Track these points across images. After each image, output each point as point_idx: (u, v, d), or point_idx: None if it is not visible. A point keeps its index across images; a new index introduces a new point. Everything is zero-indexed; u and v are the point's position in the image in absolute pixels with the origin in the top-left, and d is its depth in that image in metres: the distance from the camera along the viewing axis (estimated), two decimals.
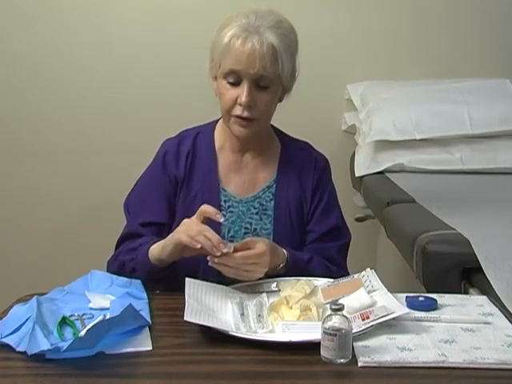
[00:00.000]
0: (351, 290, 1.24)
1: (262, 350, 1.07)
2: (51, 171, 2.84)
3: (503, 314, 1.22)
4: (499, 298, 1.28)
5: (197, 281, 1.29)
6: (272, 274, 1.37)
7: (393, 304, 1.18)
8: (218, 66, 1.42)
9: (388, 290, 1.24)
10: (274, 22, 1.39)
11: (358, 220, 2.52)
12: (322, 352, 1.03)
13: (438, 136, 2.46)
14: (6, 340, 1.08)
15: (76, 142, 2.84)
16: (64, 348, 1.02)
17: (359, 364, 1.02)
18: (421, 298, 1.25)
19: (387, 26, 2.84)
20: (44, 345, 1.03)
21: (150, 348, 1.09)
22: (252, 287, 1.35)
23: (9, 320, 1.15)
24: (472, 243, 1.42)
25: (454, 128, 2.46)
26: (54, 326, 1.13)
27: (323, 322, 1.03)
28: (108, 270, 1.48)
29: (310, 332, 1.10)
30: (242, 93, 1.39)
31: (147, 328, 1.16)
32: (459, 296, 1.32)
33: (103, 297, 1.26)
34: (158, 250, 1.37)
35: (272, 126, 1.58)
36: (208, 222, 1.45)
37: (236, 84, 1.40)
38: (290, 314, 1.19)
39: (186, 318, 1.11)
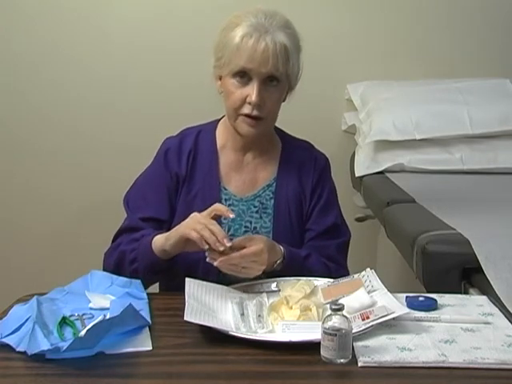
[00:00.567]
0: (351, 290, 1.24)
1: (262, 350, 1.07)
2: (51, 171, 2.84)
3: (503, 314, 1.22)
4: (499, 298, 1.27)
5: (197, 281, 1.29)
6: (269, 270, 1.37)
7: (393, 304, 1.18)
8: (227, 64, 1.41)
9: (388, 290, 1.24)
10: (283, 22, 1.41)
11: (358, 220, 2.52)
12: (321, 352, 1.03)
13: (438, 136, 2.46)
14: (5, 340, 1.08)
15: (76, 141, 2.84)
16: (64, 348, 1.02)
17: (359, 364, 1.02)
18: (421, 298, 1.25)
19: (387, 26, 2.84)
20: (44, 345, 1.03)
21: (150, 348, 1.09)
22: (252, 287, 1.35)
23: (9, 320, 1.15)
24: (472, 243, 1.42)
25: (454, 128, 2.46)
26: (54, 326, 1.13)
27: (323, 322, 1.03)
28: (105, 261, 1.48)
29: (310, 332, 1.10)
30: (252, 92, 1.39)
31: (147, 328, 1.16)
32: (459, 296, 1.32)
33: (103, 297, 1.26)
34: (161, 240, 1.37)
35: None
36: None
37: (244, 83, 1.41)
38: (290, 314, 1.19)
39: (185, 318, 1.11)
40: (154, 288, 1.51)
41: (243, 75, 1.40)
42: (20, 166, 2.88)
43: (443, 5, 2.83)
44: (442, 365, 1.02)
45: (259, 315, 1.19)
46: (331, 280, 1.33)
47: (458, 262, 1.44)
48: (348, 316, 1.05)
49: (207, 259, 1.30)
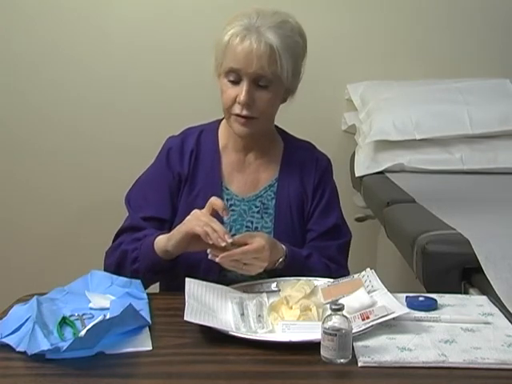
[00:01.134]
0: (351, 290, 1.24)
1: (262, 350, 1.07)
2: (51, 171, 2.84)
3: (503, 314, 1.22)
4: (499, 298, 1.27)
5: (197, 281, 1.29)
6: (271, 269, 1.38)
7: (393, 304, 1.18)
8: (220, 64, 1.43)
9: (388, 290, 1.24)
10: (277, 22, 1.40)
11: (358, 220, 2.52)
12: (321, 352, 1.03)
13: (438, 136, 2.46)
14: (5, 340, 1.08)
15: (76, 141, 2.84)
16: (64, 348, 1.02)
17: (359, 364, 1.02)
18: (421, 298, 1.25)
19: (387, 26, 2.84)
20: (44, 345, 1.03)
21: (150, 348, 1.09)
22: (252, 287, 1.35)
23: (9, 320, 1.15)
24: (472, 243, 1.42)
25: (454, 128, 2.46)
26: (54, 326, 1.13)
27: (323, 322, 1.03)
28: (106, 261, 1.48)
29: (310, 332, 1.10)
30: (241, 92, 1.39)
31: (147, 328, 1.15)
32: (459, 296, 1.32)
33: (103, 297, 1.26)
34: (164, 240, 1.37)
35: (276, 126, 1.59)
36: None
37: (236, 82, 1.41)
38: (289, 314, 1.19)
39: (185, 318, 1.11)
40: (154, 288, 1.51)
41: (234, 75, 1.40)
42: (20, 165, 2.88)
43: (443, 5, 2.83)
44: (442, 365, 1.02)
45: (259, 315, 1.19)
46: (331, 280, 1.33)
47: (458, 262, 1.44)
48: (348, 316, 1.05)
49: (209, 256, 1.30)
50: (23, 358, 1.04)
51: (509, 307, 1.23)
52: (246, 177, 1.53)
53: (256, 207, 1.51)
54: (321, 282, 1.33)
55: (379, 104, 2.58)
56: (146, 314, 1.20)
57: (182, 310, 1.14)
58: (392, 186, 2.22)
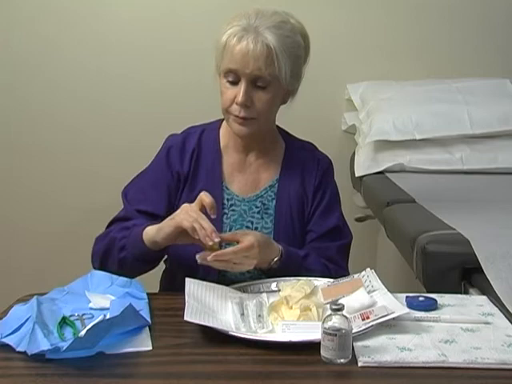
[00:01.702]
0: (351, 290, 1.24)
1: (262, 350, 1.07)
2: (51, 171, 2.84)
3: (503, 314, 1.22)
4: (499, 298, 1.28)
5: (197, 281, 1.29)
6: (266, 268, 1.38)
7: (393, 304, 1.17)
8: (219, 65, 1.43)
9: (388, 290, 1.23)
10: (276, 22, 1.39)
11: (358, 220, 2.53)
12: (321, 352, 1.03)
13: (437, 136, 2.46)
14: (5, 340, 1.08)
15: (76, 142, 2.85)
16: (64, 348, 1.02)
17: (359, 364, 1.02)
18: (421, 298, 1.25)
19: (387, 26, 2.84)
20: (44, 345, 1.03)
21: (150, 348, 1.09)
22: (252, 287, 1.35)
23: (9, 320, 1.15)
24: (472, 243, 1.42)
25: (454, 128, 2.46)
26: (54, 326, 1.13)
27: (323, 322, 1.03)
28: (95, 247, 1.47)
29: (310, 332, 1.09)
30: (239, 92, 1.39)
31: (147, 328, 1.15)
32: (459, 296, 1.32)
33: (103, 297, 1.26)
34: (153, 231, 1.35)
35: (277, 126, 1.59)
36: (210, 220, 1.45)
37: (235, 83, 1.41)
38: (289, 314, 1.19)
39: (185, 318, 1.11)
40: (154, 288, 1.51)
41: (233, 76, 1.40)
42: (20, 165, 2.88)
43: (443, 5, 2.83)
44: (442, 365, 1.02)
45: (259, 315, 1.19)
46: (331, 280, 1.33)
47: (458, 262, 1.44)
48: (348, 316, 1.05)
49: (198, 261, 1.29)
50: (23, 358, 1.04)
51: (509, 307, 1.23)
52: (247, 177, 1.53)
53: (256, 207, 1.51)
54: (321, 282, 1.33)
55: (379, 104, 2.58)
56: (145, 314, 1.20)
57: (182, 310, 1.14)
58: (392, 186, 2.22)
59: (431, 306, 1.23)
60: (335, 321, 1.02)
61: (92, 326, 1.05)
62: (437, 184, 2.30)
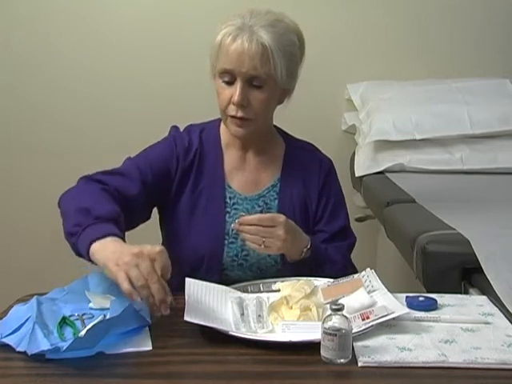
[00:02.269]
0: (351, 290, 1.24)
1: (262, 350, 1.07)
2: (51, 171, 2.84)
3: (503, 314, 1.22)
4: (499, 298, 1.27)
5: (197, 281, 1.29)
6: (298, 259, 1.40)
7: (393, 304, 1.17)
8: (214, 65, 1.43)
9: (388, 290, 1.23)
10: (270, 21, 1.38)
11: (358, 220, 2.52)
12: (321, 352, 1.03)
13: (437, 136, 2.46)
14: (6, 340, 1.08)
15: (76, 142, 2.85)
16: (64, 348, 1.02)
17: (359, 364, 1.02)
18: (421, 298, 1.25)
19: (387, 25, 2.84)
20: (44, 345, 1.03)
21: (150, 348, 1.09)
22: (252, 287, 1.35)
23: (8, 320, 1.15)
24: (472, 243, 1.42)
25: (454, 128, 2.46)
26: (54, 326, 1.13)
27: (323, 322, 1.03)
28: (64, 198, 1.39)
29: (310, 332, 1.09)
30: (235, 92, 1.39)
31: (147, 328, 1.15)
32: (459, 296, 1.32)
33: (103, 297, 1.26)
34: (98, 255, 1.18)
35: (276, 127, 1.58)
36: (213, 217, 1.46)
37: (231, 83, 1.40)
38: (289, 314, 1.19)
39: (185, 318, 1.11)
40: None
41: (228, 76, 1.40)
42: (20, 165, 2.88)
43: (443, 5, 2.83)
44: (442, 365, 1.02)
45: (259, 315, 1.19)
46: (331, 280, 1.33)
47: (458, 262, 1.44)
48: (348, 316, 1.05)
49: (232, 225, 1.36)
50: (23, 358, 1.04)
51: (509, 307, 1.23)
52: (247, 175, 1.53)
53: (259, 207, 1.51)
54: (321, 282, 1.33)
55: (379, 104, 2.59)
56: (145, 313, 1.19)
57: (182, 309, 1.14)
58: (392, 185, 2.22)
59: (431, 305, 1.23)
60: (335, 321, 1.02)
61: (92, 326, 1.05)
62: (437, 184, 2.30)
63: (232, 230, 1.46)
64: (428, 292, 1.36)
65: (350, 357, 1.03)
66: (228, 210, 1.48)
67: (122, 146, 2.78)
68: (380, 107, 2.57)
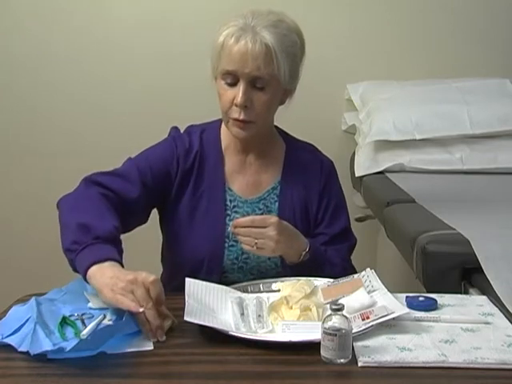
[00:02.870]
0: (351, 290, 1.24)
1: (262, 350, 1.07)
2: (50, 172, 2.85)
3: (503, 314, 1.22)
4: (499, 298, 1.27)
5: (196, 281, 1.29)
6: (297, 261, 1.40)
7: (393, 304, 1.18)
8: (216, 66, 1.42)
9: (388, 290, 1.24)
10: (272, 21, 1.38)
11: (358, 220, 2.52)
12: (321, 352, 1.03)
13: (437, 136, 2.46)
14: (7, 340, 1.08)
15: (76, 144, 2.85)
16: (68, 349, 1.02)
17: (359, 364, 1.02)
18: (421, 298, 1.25)
19: (387, 25, 2.84)
20: (46, 345, 1.03)
21: (151, 348, 1.09)
22: (252, 287, 1.35)
23: (8, 321, 1.15)
24: (472, 243, 1.42)
25: (454, 128, 2.46)
26: (54, 326, 1.13)
27: (323, 322, 1.03)
28: (62, 201, 1.38)
29: (310, 332, 1.09)
30: (238, 93, 1.38)
31: None
32: (459, 296, 1.32)
33: None
34: (95, 280, 1.17)
35: (276, 127, 1.58)
36: (213, 220, 1.45)
37: (233, 85, 1.39)
38: (289, 314, 1.19)
39: (185, 318, 1.11)
40: None
41: (231, 77, 1.39)
42: (19, 166, 2.88)
43: (443, 5, 2.83)
44: (442, 365, 1.02)
45: (259, 315, 1.19)
46: (331, 280, 1.33)
47: (458, 262, 1.44)
48: (348, 316, 1.05)
49: (228, 229, 1.37)
50: (23, 358, 1.04)
51: (509, 307, 1.23)
52: (248, 178, 1.52)
53: (259, 209, 1.50)
54: (321, 282, 1.33)
55: (379, 104, 2.59)
56: None
57: (182, 310, 1.14)
58: (392, 185, 2.22)
59: (431, 305, 1.23)
60: (335, 321, 1.02)
61: (97, 330, 1.05)
62: (437, 184, 2.30)
63: (232, 233, 1.46)
64: (428, 292, 1.36)
65: (350, 357, 1.03)
66: (228, 212, 1.48)
67: (121, 147, 2.76)
68: (380, 107, 2.57)
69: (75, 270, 1.25)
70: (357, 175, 2.46)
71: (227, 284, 1.34)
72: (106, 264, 1.18)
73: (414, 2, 2.84)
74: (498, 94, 2.60)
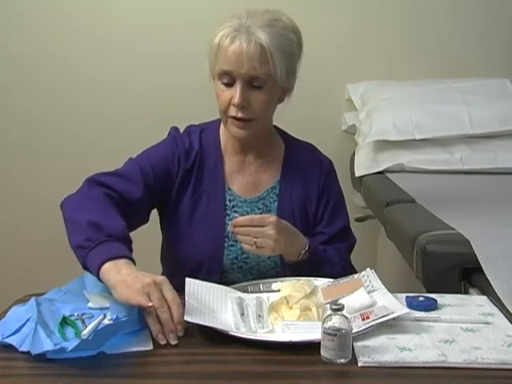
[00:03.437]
0: (351, 290, 1.24)
1: (262, 350, 1.07)
2: (49, 173, 2.85)
3: (503, 314, 1.22)
4: (499, 298, 1.27)
5: (196, 281, 1.29)
6: (296, 260, 1.40)
7: (393, 304, 1.17)
8: (213, 67, 1.42)
9: (388, 290, 1.24)
10: (267, 20, 1.38)
11: (358, 220, 2.53)
12: (321, 352, 1.03)
13: (437, 136, 2.46)
14: (8, 340, 1.08)
15: (75, 144, 2.85)
16: (70, 349, 1.02)
17: (359, 364, 1.02)
18: (421, 298, 1.25)
19: (387, 25, 2.84)
20: (47, 345, 1.03)
21: (150, 348, 1.09)
22: (252, 287, 1.35)
23: (8, 321, 1.15)
24: (472, 243, 1.42)
25: (454, 128, 2.46)
26: (55, 326, 1.13)
27: (323, 322, 1.03)
28: (67, 201, 1.38)
29: (310, 332, 1.09)
30: (235, 93, 1.38)
31: (147, 328, 1.15)
32: (459, 296, 1.32)
33: (102, 296, 1.26)
34: (109, 276, 1.17)
35: (275, 126, 1.58)
36: (213, 220, 1.46)
37: (231, 85, 1.39)
38: (289, 314, 1.19)
39: (185, 318, 1.11)
40: None
41: (228, 77, 1.39)
42: (20, 166, 2.88)
43: (443, 5, 2.83)
44: (442, 365, 1.02)
45: (259, 315, 1.19)
46: (331, 280, 1.33)
47: (458, 262, 1.44)
48: (348, 316, 1.05)
49: (228, 228, 1.37)
50: (24, 358, 1.04)
51: (509, 307, 1.23)
52: (247, 178, 1.53)
53: (258, 209, 1.50)
54: (321, 282, 1.33)
55: (379, 104, 2.59)
56: None
57: (182, 310, 1.14)
58: (392, 185, 2.22)
59: (431, 305, 1.23)
60: (335, 321, 1.02)
61: (99, 329, 1.05)
62: (437, 184, 2.30)
63: (232, 233, 1.46)
64: (428, 292, 1.36)
65: (350, 357, 1.03)
66: (228, 212, 1.48)
67: (121, 147, 2.76)
68: (380, 107, 2.57)
69: (84, 267, 1.25)
70: (357, 175, 2.46)
71: (227, 284, 1.34)
72: (122, 261, 1.19)
73: (413, 2, 2.84)
74: (498, 94, 2.60)
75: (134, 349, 1.08)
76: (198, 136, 1.53)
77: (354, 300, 1.19)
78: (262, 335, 1.13)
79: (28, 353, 1.04)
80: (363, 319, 1.12)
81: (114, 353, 1.06)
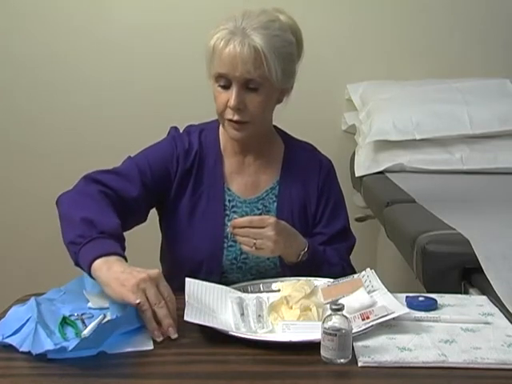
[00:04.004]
0: (351, 290, 1.24)
1: (262, 350, 1.07)
2: (49, 173, 2.85)
3: (503, 314, 1.22)
4: (499, 298, 1.27)
5: (196, 281, 1.29)
6: (296, 261, 1.40)
7: (393, 304, 1.17)
8: (209, 70, 1.42)
9: (388, 290, 1.24)
10: (263, 22, 1.36)
11: (358, 220, 2.53)
12: (321, 352, 1.03)
13: (437, 136, 2.46)
14: (8, 340, 1.08)
15: (75, 145, 2.86)
16: (70, 348, 1.02)
17: (359, 364, 1.02)
18: (421, 298, 1.25)
19: (387, 25, 2.84)
20: (48, 345, 1.03)
21: (151, 348, 1.09)
22: (252, 287, 1.35)
23: (8, 321, 1.15)
24: (472, 243, 1.42)
25: (454, 128, 2.46)
26: (55, 326, 1.13)
27: (323, 322, 1.03)
28: (63, 198, 1.39)
29: (310, 332, 1.09)
30: (231, 96, 1.38)
31: None
32: (459, 296, 1.32)
33: (101, 296, 1.26)
34: (101, 272, 1.17)
35: (275, 127, 1.58)
36: (212, 220, 1.45)
37: (227, 87, 1.39)
38: (290, 314, 1.19)
39: (185, 318, 1.11)
40: None
41: (224, 80, 1.38)
42: (19, 166, 2.88)
43: (443, 5, 2.83)
44: (442, 365, 1.02)
45: (259, 315, 1.19)
46: (331, 280, 1.33)
47: (458, 262, 1.44)
48: (348, 316, 1.05)
49: (227, 230, 1.36)
50: (24, 358, 1.04)
51: (509, 307, 1.23)
52: (246, 178, 1.52)
53: (258, 209, 1.50)
54: (321, 282, 1.33)
55: (379, 104, 2.59)
56: None
57: (182, 310, 1.14)
58: (392, 185, 2.22)
59: (431, 306, 1.23)
60: (335, 321, 1.02)
61: (98, 327, 1.05)
62: (437, 184, 2.30)
63: (231, 234, 1.46)
64: (428, 292, 1.36)
65: (350, 357, 1.03)
66: (227, 213, 1.48)
67: (121, 147, 2.75)
68: (380, 107, 2.57)
69: (76, 263, 1.25)
70: (357, 175, 2.46)
71: (227, 284, 1.34)
72: (113, 258, 1.18)
73: (413, 2, 2.84)
74: (498, 94, 2.60)
75: (135, 349, 1.08)
76: (198, 136, 1.53)
77: (354, 300, 1.19)
78: (262, 335, 1.13)
79: (28, 353, 1.04)
80: (363, 319, 1.12)
81: (114, 353, 1.06)
